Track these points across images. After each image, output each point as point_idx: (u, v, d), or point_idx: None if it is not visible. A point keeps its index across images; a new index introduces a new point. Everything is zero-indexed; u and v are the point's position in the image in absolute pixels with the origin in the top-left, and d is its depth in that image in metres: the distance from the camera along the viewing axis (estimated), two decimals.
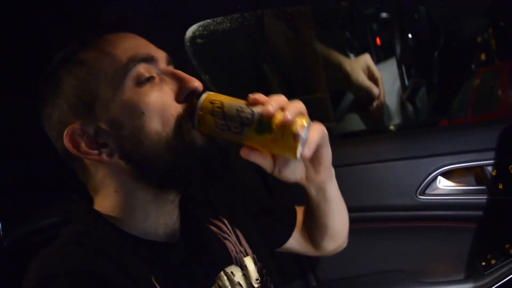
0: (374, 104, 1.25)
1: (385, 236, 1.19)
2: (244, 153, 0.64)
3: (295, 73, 1.36)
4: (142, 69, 0.63)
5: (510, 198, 1.08)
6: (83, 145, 0.63)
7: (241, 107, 0.61)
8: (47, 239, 0.63)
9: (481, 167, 1.11)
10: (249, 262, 0.80)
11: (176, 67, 0.69)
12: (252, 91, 0.63)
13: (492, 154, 1.09)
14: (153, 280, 0.61)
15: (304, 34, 1.28)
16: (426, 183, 1.12)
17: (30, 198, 0.92)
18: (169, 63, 0.69)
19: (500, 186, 1.08)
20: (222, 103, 0.62)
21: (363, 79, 1.23)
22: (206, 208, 0.83)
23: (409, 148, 1.17)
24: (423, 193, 1.13)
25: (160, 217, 0.68)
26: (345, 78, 1.25)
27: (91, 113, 0.63)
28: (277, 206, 0.95)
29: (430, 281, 1.15)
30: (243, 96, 0.63)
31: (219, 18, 1.06)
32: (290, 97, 0.64)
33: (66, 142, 0.63)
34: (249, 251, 0.82)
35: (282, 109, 0.60)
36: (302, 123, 0.60)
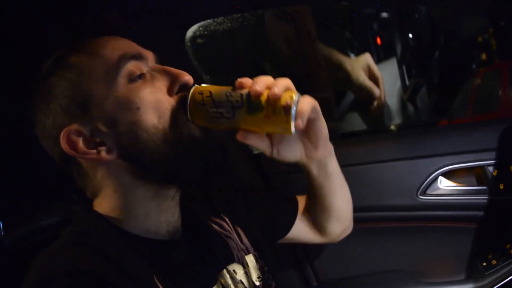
0: (375, 103, 1.25)
1: (386, 236, 1.19)
2: (240, 136, 0.65)
3: (295, 73, 1.36)
4: (133, 66, 0.64)
5: (511, 199, 1.08)
6: (80, 145, 0.63)
7: (229, 92, 0.62)
8: (47, 239, 0.63)
9: (482, 167, 1.10)
10: (250, 260, 0.80)
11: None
12: None
13: (493, 154, 1.09)
14: (155, 279, 0.61)
15: (305, 34, 1.28)
16: (427, 183, 1.12)
17: (31, 198, 0.92)
18: (157, 61, 0.70)
19: (501, 186, 1.08)
20: (210, 92, 0.63)
21: (363, 78, 1.23)
22: (207, 206, 0.83)
23: (409, 148, 1.17)
24: (424, 193, 1.13)
25: (161, 215, 0.68)
26: (346, 78, 1.25)
27: (86, 114, 0.63)
28: (276, 197, 0.96)
29: (431, 282, 1.15)
30: None
31: (219, 18, 1.06)
32: None
33: (63, 144, 0.63)
34: (250, 249, 0.82)
35: (269, 87, 0.61)
36: (290, 96, 0.61)
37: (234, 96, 0.62)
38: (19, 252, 0.87)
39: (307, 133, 0.72)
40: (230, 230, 0.82)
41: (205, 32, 1.08)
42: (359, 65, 1.24)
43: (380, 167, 1.17)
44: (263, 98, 0.61)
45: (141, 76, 0.65)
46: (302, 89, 0.66)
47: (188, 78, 0.66)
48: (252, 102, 0.61)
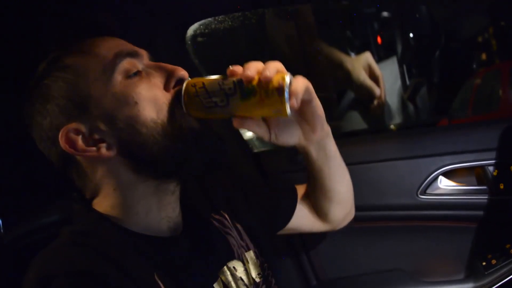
0: (375, 103, 1.25)
1: (386, 235, 1.19)
2: (236, 123, 0.65)
3: (296, 71, 1.36)
4: (129, 63, 0.65)
5: (511, 198, 1.08)
6: (80, 143, 0.63)
7: (222, 81, 0.63)
8: (47, 238, 0.63)
9: (482, 167, 1.10)
10: (250, 256, 0.80)
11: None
12: None
13: (493, 154, 1.09)
14: (156, 277, 0.61)
15: (305, 33, 1.28)
16: (427, 182, 1.12)
17: (31, 196, 0.92)
18: (151, 60, 0.70)
19: (501, 186, 1.08)
20: (203, 83, 0.63)
21: (364, 77, 1.23)
22: (207, 203, 0.83)
23: (410, 148, 1.17)
24: (424, 192, 1.13)
25: (162, 210, 0.69)
26: (346, 77, 1.25)
27: (84, 112, 0.63)
28: (275, 188, 0.95)
29: (431, 281, 1.15)
30: None
31: (220, 17, 1.06)
32: None
33: (62, 142, 0.63)
34: (250, 245, 0.82)
35: (260, 71, 0.61)
36: (282, 77, 0.61)
37: (227, 84, 0.62)
38: (19, 251, 0.87)
39: (303, 114, 0.72)
40: (230, 227, 0.82)
41: (206, 31, 1.08)
42: (360, 64, 1.24)
43: (380, 167, 1.17)
44: (255, 82, 0.61)
45: (137, 73, 0.65)
46: None
47: (183, 73, 0.67)
48: (245, 88, 0.61)
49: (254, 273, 0.79)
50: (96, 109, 0.63)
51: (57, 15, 0.73)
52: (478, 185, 1.12)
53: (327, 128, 0.77)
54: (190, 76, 0.68)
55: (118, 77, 0.64)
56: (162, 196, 0.68)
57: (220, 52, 1.25)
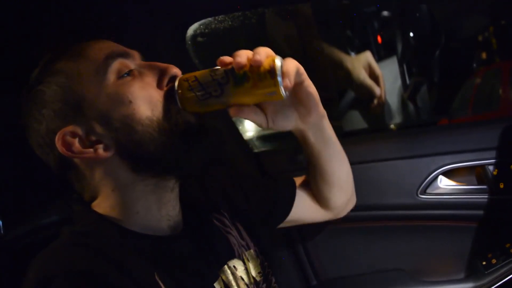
0: (375, 102, 1.25)
1: (386, 235, 1.19)
2: (233, 111, 0.66)
3: None
4: (120, 64, 0.65)
5: (511, 198, 1.08)
6: (76, 146, 0.63)
7: (213, 72, 0.63)
8: (47, 238, 0.63)
9: (482, 166, 1.10)
10: (251, 255, 0.80)
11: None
12: None
13: (493, 153, 1.09)
14: (156, 277, 0.61)
15: (306, 32, 1.28)
16: (427, 182, 1.12)
17: (31, 196, 0.92)
18: (143, 60, 0.70)
19: (501, 186, 1.08)
20: (195, 77, 0.64)
21: (364, 76, 1.23)
22: (207, 202, 0.84)
23: (410, 147, 1.17)
24: (424, 192, 1.12)
25: (162, 209, 0.69)
26: (346, 76, 1.25)
27: (79, 115, 0.64)
28: (273, 181, 0.95)
29: (431, 280, 1.15)
30: None
31: (220, 17, 1.06)
32: None
33: (59, 146, 0.63)
34: (250, 244, 0.83)
35: (250, 57, 0.62)
36: (273, 59, 0.61)
37: (219, 74, 0.63)
38: (19, 251, 0.87)
39: (297, 96, 0.72)
40: (230, 226, 0.82)
41: (206, 31, 1.08)
42: (360, 63, 1.24)
43: (380, 166, 1.17)
44: (247, 68, 0.61)
45: (130, 73, 0.66)
46: None
47: (175, 70, 0.67)
48: (237, 74, 0.62)
49: (254, 272, 0.79)
50: (91, 110, 0.63)
51: (57, 16, 0.73)
52: (478, 184, 1.12)
53: (323, 111, 0.78)
54: None
55: (111, 77, 0.64)
56: (162, 194, 0.68)
57: (220, 52, 1.25)
